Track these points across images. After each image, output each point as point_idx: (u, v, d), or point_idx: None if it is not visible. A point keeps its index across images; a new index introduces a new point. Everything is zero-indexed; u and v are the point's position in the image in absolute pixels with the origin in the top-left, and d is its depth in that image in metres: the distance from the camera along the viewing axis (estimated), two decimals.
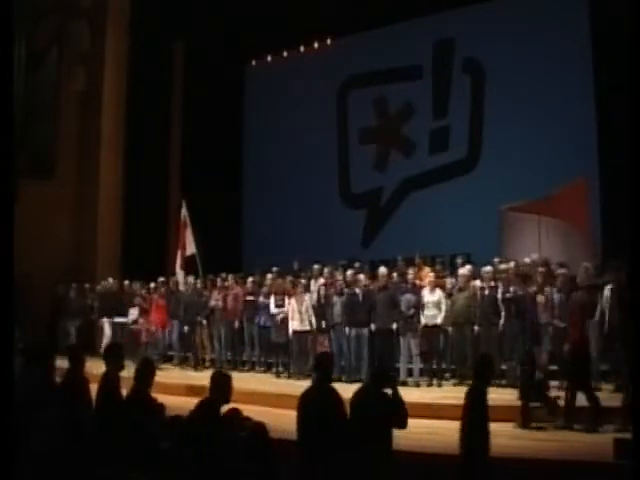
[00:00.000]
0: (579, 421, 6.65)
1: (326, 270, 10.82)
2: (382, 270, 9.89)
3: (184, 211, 12.67)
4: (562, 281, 8.23)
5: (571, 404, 6.79)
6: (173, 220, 16.47)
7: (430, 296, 9.14)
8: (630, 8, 5.80)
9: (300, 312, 10.13)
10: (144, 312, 11.97)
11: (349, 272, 10.50)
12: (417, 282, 9.68)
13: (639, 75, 5.08)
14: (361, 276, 10.14)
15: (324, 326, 10.03)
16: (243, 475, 3.86)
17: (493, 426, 4.63)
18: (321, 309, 10.08)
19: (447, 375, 9.28)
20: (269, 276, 11.24)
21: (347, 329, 9.72)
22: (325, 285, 10.34)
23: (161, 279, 12.40)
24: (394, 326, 9.33)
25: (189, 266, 12.83)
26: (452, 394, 7.53)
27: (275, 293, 10.61)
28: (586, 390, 6.77)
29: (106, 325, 12.59)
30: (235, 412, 4.76)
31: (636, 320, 5.27)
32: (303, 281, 10.71)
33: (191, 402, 7.70)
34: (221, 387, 4.69)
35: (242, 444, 4.14)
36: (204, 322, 11.53)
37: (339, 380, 9.67)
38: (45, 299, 13.80)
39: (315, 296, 10.26)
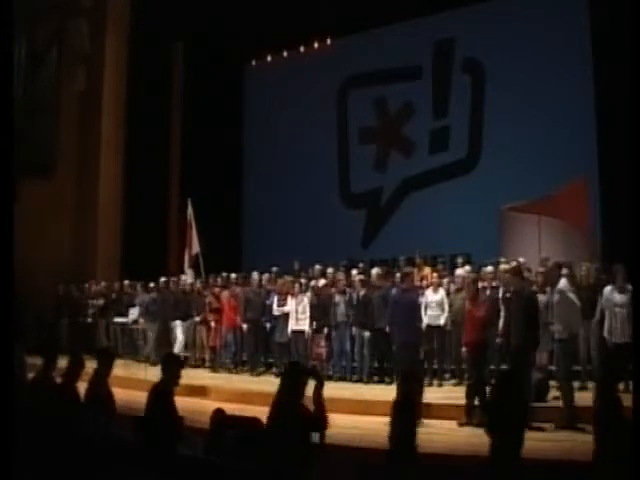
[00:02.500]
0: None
1: (329, 270, 10.81)
2: (375, 271, 9.92)
3: (190, 210, 12.69)
4: (568, 281, 8.18)
5: (470, 403, 7.12)
6: (173, 220, 16.51)
7: (433, 296, 9.14)
8: (630, 9, 5.81)
9: (297, 312, 10.18)
10: (213, 311, 11.30)
11: (354, 272, 10.52)
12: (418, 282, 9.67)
13: (639, 75, 5.09)
14: (359, 277, 10.14)
15: (317, 326, 10.02)
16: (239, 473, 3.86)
17: None
18: (316, 309, 10.07)
19: (447, 375, 9.27)
20: (264, 276, 11.25)
21: (353, 329, 9.77)
22: (325, 286, 10.32)
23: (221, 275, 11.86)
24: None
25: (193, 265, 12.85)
26: (452, 394, 7.53)
27: (278, 293, 10.62)
28: (480, 388, 7.12)
29: (179, 329, 11.75)
30: (220, 412, 4.78)
31: (636, 320, 5.28)
32: (303, 281, 10.71)
33: (191, 402, 7.74)
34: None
35: (232, 442, 4.16)
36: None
37: (343, 380, 9.74)
38: (45, 299, 13.80)
39: (310, 296, 10.26)
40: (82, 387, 5.80)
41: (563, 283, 7.25)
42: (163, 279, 12.45)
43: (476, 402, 7.17)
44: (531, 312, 6.99)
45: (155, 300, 12.00)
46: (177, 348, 11.40)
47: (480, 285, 9.04)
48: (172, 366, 5.04)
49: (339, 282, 10.15)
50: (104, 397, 5.33)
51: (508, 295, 7.59)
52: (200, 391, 9.15)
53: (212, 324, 11.30)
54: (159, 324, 11.93)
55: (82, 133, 15.99)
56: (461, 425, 7.10)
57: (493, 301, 8.19)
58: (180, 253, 13.55)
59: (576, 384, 8.04)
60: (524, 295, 7.19)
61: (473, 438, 6.52)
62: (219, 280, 11.68)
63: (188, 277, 12.47)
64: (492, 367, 8.02)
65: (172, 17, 15.28)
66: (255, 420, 4.30)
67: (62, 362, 5.95)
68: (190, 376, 10.67)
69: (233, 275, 11.66)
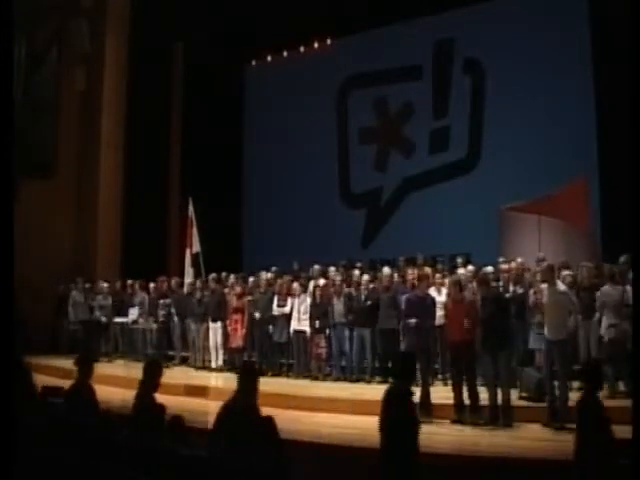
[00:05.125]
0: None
1: (331, 269, 10.80)
2: (386, 270, 9.89)
3: (191, 209, 12.68)
4: (569, 282, 8.20)
5: (458, 400, 7.26)
6: (173, 220, 16.53)
7: (437, 296, 9.13)
8: (630, 8, 5.81)
9: (299, 312, 10.19)
10: (236, 312, 10.85)
11: (356, 272, 10.52)
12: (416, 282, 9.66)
13: (639, 75, 5.09)
14: (365, 276, 10.14)
15: (319, 326, 10.00)
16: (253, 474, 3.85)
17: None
18: (316, 309, 10.07)
19: (448, 375, 9.25)
20: (263, 276, 11.19)
21: (350, 329, 9.76)
22: (324, 285, 10.30)
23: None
24: (396, 326, 9.36)
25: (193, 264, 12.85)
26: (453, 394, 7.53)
27: (278, 293, 10.61)
28: (469, 387, 7.24)
29: (217, 330, 11.19)
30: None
31: (636, 320, 5.28)
32: (303, 281, 10.71)
33: (191, 402, 7.75)
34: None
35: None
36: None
37: (341, 380, 9.74)
38: (45, 299, 13.79)
39: (310, 296, 10.26)
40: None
41: (562, 284, 7.26)
42: (213, 276, 11.78)
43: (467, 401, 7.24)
44: (497, 317, 7.15)
45: (200, 301, 11.55)
46: (219, 356, 11.15)
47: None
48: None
49: (336, 284, 10.13)
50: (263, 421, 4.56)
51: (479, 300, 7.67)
52: (200, 391, 9.16)
53: (233, 325, 10.90)
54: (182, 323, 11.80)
55: (82, 133, 15.98)
56: (453, 422, 7.19)
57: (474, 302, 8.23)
58: (181, 252, 13.53)
59: (576, 384, 8.08)
60: (490, 301, 7.30)
61: (474, 438, 6.55)
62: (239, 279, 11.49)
63: (187, 276, 12.43)
64: None
65: (172, 17, 15.28)
66: (268, 419, 4.29)
67: (58, 362, 5.92)
68: (190, 376, 10.73)
69: (232, 275, 11.66)
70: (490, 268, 9.18)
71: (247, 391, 4.64)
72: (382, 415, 4.64)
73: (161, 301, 12.12)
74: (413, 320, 7.73)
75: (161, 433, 4.55)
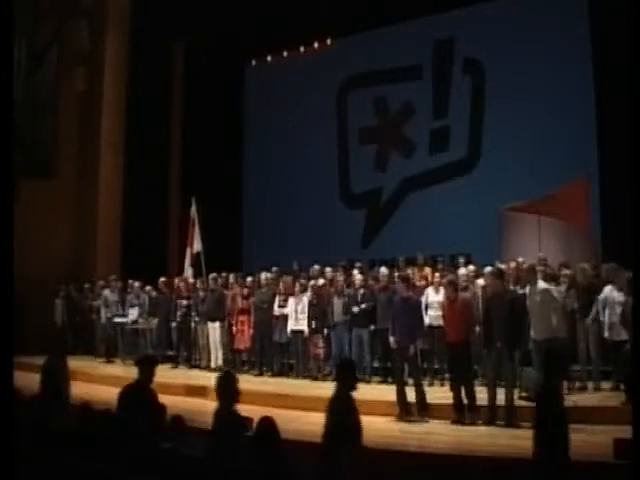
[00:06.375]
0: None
1: (327, 270, 10.80)
2: (383, 271, 9.88)
3: (193, 209, 12.70)
4: (568, 282, 8.19)
5: (457, 400, 7.23)
6: (173, 220, 16.53)
7: (434, 296, 9.14)
8: (630, 8, 5.81)
9: (296, 312, 10.19)
10: (242, 312, 10.81)
11: (354, 272, 10.50)
12: (417, 282, 9.68)
13: (639, 75, 5.09)
14: (359, 276, 10.14)
15: (315, 326, 10.00)
16: (250, 476, 3.84)
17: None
18: (314, 309, 10.06)
19: (448, 375, 9.26)
20: (263, 276, 11.18)
21: (349, 329, 9.75)
22: (321, 285, 10.29)
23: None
24: None
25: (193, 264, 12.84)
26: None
27: (280, 293, 10.61)
28: (466, 387, 7.22)
29: (216, 331, 11.12)
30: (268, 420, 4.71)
31: (636, 320, 5.28)
32: (302, 281, 10.71)
33: (191, 402, 7.74)
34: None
35: (249, 444, 4.14)
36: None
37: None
38: (45, 299, 13.78)
39: (309, 296, 10.26)
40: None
41: (543, 283, 7.25)
42: (213, 275, 11.64)
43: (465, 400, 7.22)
44: (513, 313, 7.10)
45: (204, 300, 11.32)
46: (219, 356, 11.04)
47: (481, 283, 9.09)
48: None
49: (337, 283, 10.13)
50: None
51: (489, 296, 7.64)
52: (200, 391, 9.15)
53: (239, 326, 10.83)
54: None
55: (82, 133, 15.98)
56: (453, 423, 7.15)
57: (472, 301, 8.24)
58: (181, 252, 13.52)
59: (576, 384, 8.09)
60: (506, 297, 7.25)
61: (473, 438, 6.54)
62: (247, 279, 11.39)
63: (187, 275, 12.41)
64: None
65: (172, 17, 15.28)
66: (267, 420, 4.28)
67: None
68: (190, 376, 10.73)
69: (232, 275, 11.66)
70: (489, 268, 9.18)
71: (344, 393, 4.61)
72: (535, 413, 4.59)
73: (179, 301, 11.92)
74: (399, 321, 7.70)
75: (246, 450, 4.42)
